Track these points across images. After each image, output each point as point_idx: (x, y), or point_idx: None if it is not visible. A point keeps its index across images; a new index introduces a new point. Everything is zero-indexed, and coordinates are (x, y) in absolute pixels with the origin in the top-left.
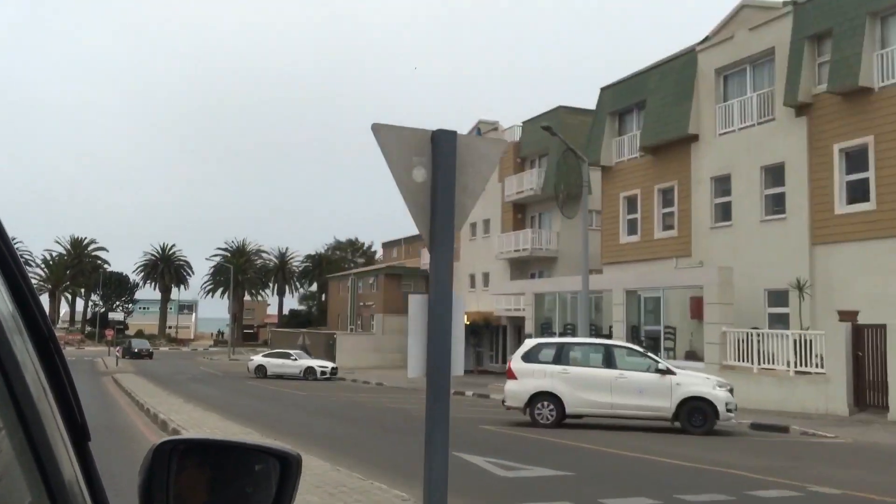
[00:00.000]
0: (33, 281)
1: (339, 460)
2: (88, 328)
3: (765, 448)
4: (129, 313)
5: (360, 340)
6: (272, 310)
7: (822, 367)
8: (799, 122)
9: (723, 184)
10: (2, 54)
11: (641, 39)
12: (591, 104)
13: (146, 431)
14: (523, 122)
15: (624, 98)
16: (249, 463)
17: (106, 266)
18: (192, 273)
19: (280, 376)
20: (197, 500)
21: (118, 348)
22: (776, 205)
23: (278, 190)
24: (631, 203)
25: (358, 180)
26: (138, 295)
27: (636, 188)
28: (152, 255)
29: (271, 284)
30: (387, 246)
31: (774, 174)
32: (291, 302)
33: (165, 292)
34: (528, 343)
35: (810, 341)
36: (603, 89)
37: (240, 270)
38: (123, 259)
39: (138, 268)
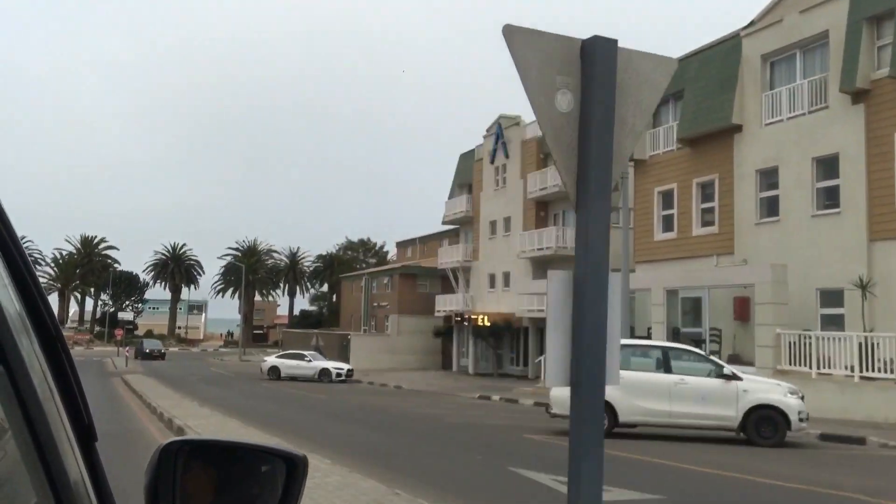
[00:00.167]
0: (42, 280)
1: (394, 480)
2: (98, 328)
3: (857, 463)
4: (138, 313)
5: (374, 341)
6: (282, 310)
7: (890, 371)
8: (856, 110)
9: (769, 177)
10: (21, 55)
11: (677, 26)
12: None
13: (161, 438)
14: None
15: None
16: (255, 464)
17: (116, 265)
18: (203, 273)
19: (294, 378)
20: (203, 501)
21: (129, 349)
22: (829, 198)
23: (290, 190)
24: (666, 198)
25: (370, 181)
26: (148, 294)
27: (672, 182)
28: (163, 254)
29: (282, 285)
30: (401, 245)
31: (827, 166)
32: (302, 303)
33: (175, 292)
34: None
35: (876, 344)
36: None
37: (251, 270)
38: (134, 258)
39: (148, 267)
